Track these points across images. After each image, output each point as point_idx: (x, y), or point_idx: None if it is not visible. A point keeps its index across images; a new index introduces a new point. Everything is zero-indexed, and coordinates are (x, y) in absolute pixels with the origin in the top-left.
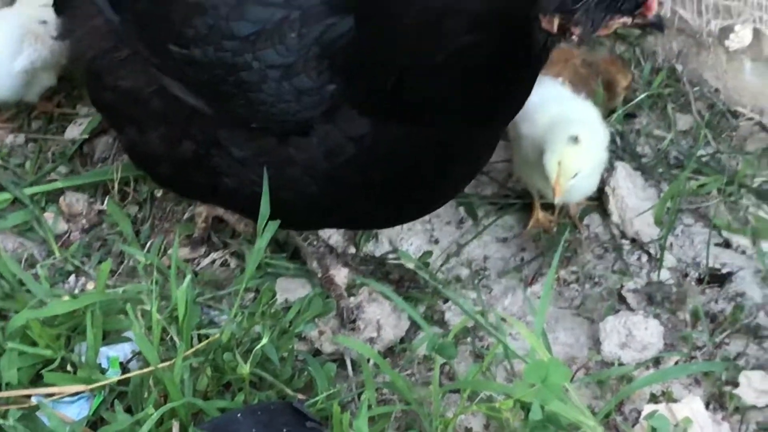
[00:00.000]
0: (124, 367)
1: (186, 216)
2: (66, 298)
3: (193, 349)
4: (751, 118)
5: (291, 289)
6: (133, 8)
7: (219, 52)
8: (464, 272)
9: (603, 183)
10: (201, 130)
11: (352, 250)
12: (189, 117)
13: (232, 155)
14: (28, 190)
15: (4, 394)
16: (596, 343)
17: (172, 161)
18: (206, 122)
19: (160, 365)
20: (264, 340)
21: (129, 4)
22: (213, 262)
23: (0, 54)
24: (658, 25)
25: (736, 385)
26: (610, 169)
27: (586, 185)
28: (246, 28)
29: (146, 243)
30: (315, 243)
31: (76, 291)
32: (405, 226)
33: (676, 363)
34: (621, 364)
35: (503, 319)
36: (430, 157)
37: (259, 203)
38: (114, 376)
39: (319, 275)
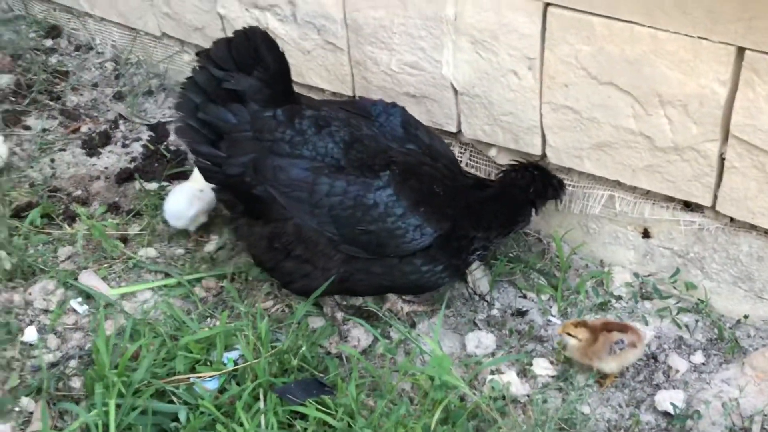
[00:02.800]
0: (236, 363)
1: (264, 290)
2: (206, 329)
3: (269, 353)
4: None
5: (315, 322)
6: (329, 214)
7: (385, 224)
8: (400, 313)
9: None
10: (352, 264)
11: (344, 302)
12: (345, 260)
13: (372, 271)
14: (186, 278)
15: (177, 377)
16: (463, 346)
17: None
18: (357, 260)
19: (254, 362)
20: (303, 348)
21: (326, 212)
22: (277, 309)
23: (182, 206)
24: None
25: (531, 365)
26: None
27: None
28: (400, 208)
29: (244, 301)
30: (328, 300)
31: (211, 325)
32: None
33: (501, 355)
34: (476, 356)
35: (419, 335)
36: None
37: (379, 290)
38: (230, 367)
39: (329, 315)
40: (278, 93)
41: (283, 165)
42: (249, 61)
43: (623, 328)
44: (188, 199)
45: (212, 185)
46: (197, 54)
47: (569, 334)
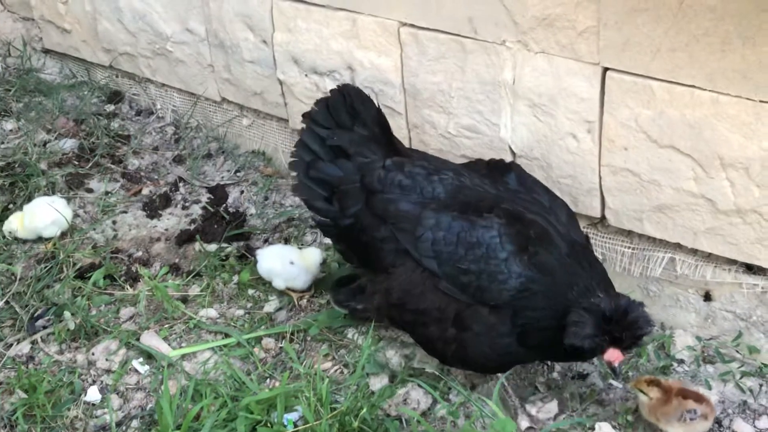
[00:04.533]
0: (296, 424)
1: (323, 351)
2: (266, 390)
3: (329, 415)
4: None
5: (375, 384)
6: (432, 248)
7: (488, 266)
8: (459, 375)
9: None
10: (459, 316)
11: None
12: (456, 310)
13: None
14: (245, 336)
15: None
16: (525, 410)
17: (445, 340)
18: (462, 309)
19: (314, 423)
20: (363, 410)
21: (429, 246)
22: (336, 370)
23: (275, 267)
24: (616, 373)
25: (593, 429)
26: None
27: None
28: (503, 252)
29: (303, 362)
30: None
31: (270, 386)
32: None
33: (563, 419)
34: (538, 419)
35: (479, 398)
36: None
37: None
38: (291, 429)
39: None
40: (382, 145)
41: (393, 198)
42: (347, 118)
43: (699, 398)
44: (280, 262)
45: (329, 237)
46: (303, 115)
47: (641, 391)
